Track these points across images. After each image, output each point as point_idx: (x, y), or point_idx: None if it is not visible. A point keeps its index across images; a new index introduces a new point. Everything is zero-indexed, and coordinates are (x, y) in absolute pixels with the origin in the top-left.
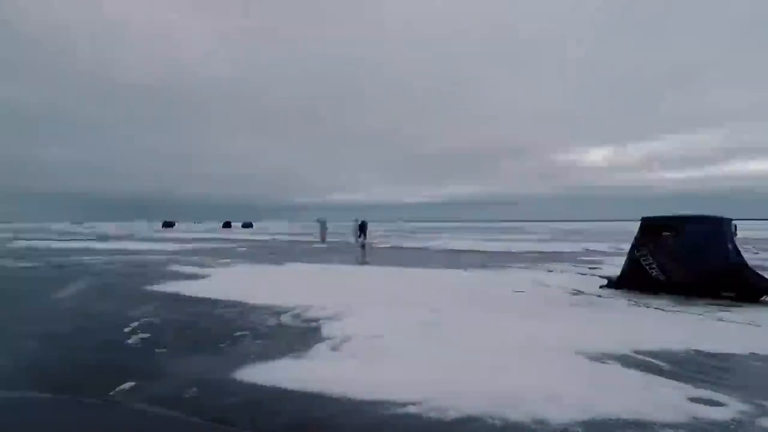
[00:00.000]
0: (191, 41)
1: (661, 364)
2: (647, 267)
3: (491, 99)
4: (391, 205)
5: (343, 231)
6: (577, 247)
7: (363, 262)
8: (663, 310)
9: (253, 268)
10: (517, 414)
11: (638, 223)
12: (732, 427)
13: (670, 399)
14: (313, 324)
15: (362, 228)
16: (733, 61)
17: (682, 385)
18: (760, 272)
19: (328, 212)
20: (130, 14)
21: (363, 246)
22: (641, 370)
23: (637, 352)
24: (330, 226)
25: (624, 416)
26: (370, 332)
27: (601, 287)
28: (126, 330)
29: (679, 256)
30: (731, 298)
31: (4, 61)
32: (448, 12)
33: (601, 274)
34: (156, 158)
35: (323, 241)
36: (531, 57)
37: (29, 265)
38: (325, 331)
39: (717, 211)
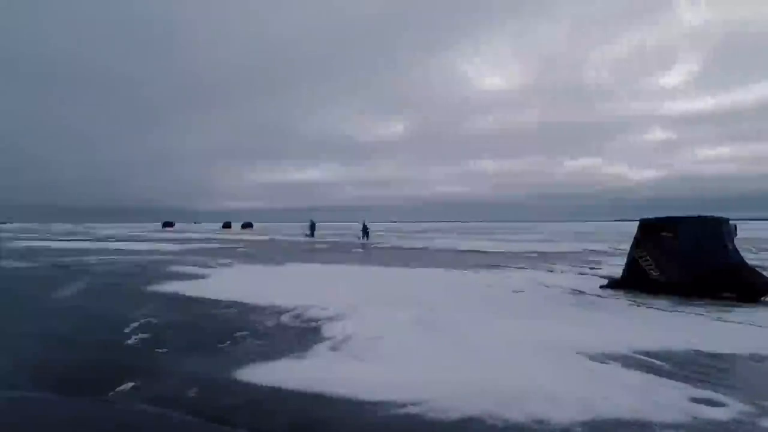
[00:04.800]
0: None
1: (661, 364)
2: (647, 267)
3: None
4: None
5: (341, 231)
6: (578, 247)
7: (363, 262)
8: (663, 310)
9: (253, 268)
10: (517, 414)
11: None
12: (732, 427)
13: (670, 399)
14: (314, 324)
15: (364, 229)
16: None
17: (682, 385)
18: (760, 272)
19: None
20: None
21: (363, 245)
22: (641, 370)
23: (637, 352)
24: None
25: (624, 416)
26: (370, 332)
27: (601, 287)
28: (126, 330)
29: (679, 257)
30: (731, 298)
31: None
32: None
33: (601, 274)
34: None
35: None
36: None
37: (29, 265)
38: (326, 331)
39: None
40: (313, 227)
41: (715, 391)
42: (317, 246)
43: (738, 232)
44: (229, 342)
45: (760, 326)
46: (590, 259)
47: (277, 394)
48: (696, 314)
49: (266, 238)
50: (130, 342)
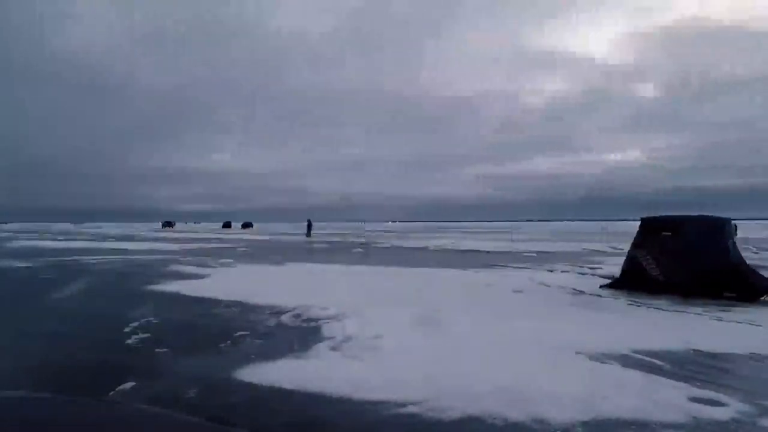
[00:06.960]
0: None
1: (661, 364)
2: (647, 267)
3: None
4: None
5: (340, 231)
6: (577, 247)
7: (363, 262)
8: (663, 310)
9: (254, 268)
10: (517, 414)
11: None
12: (732, 427)
13: (670, 399)
14: (314, 324)
15: (309, 226)
16: None
17: (682, 385)
18: (760, 272)
19: None
20: None
21: (363, 245)
22: (641, 370)
23: (637, 352)
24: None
25: (624, 416)
26: (370, 332)
27: (601, 287)
28: (126, 330)
29: (679, 256)
30: (732, 298)
31: None
32: None
33: (601, 274)
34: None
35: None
36: None
37: (29, 265)
38: (326, 331)
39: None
40: (310, 227)
41: (715, 391)
42: (317, 245)
43: (738, 232)
44: (229, 341)
45: (760, 326)
46: (591, 258)
47: (277, 393)
48: (696, 314)
49: (266, 237)
50: (130, 341)
